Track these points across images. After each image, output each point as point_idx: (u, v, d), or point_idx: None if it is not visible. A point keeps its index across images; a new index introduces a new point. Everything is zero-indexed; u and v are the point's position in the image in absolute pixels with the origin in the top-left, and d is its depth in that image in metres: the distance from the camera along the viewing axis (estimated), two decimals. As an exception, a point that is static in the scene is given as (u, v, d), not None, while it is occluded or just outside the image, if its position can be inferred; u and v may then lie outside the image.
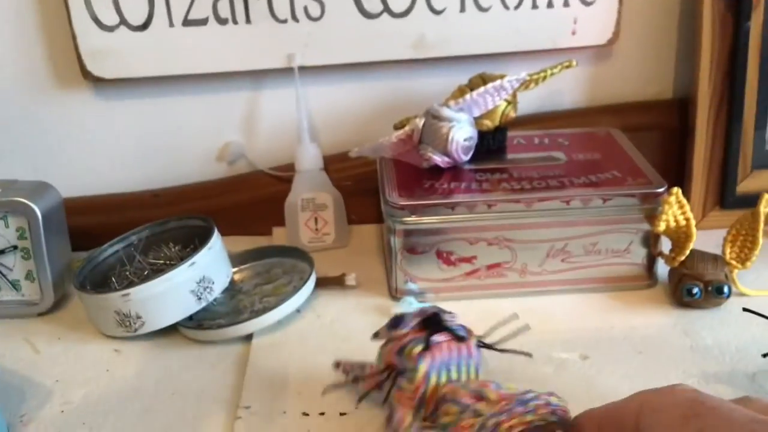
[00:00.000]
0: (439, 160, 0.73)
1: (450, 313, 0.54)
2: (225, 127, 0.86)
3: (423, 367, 0.49)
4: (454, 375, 0.49)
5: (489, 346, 0.56)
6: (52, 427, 0.59)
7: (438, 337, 0.50)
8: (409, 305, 0.70)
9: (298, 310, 0.71)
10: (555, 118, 0.86)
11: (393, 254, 0.71)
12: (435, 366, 0.49)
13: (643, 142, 0.80)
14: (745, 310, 0.59)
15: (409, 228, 0.69)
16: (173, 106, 0.85)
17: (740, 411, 0.34)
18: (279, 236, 0.85)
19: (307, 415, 0.59)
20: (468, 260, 0.71)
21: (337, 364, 0.58)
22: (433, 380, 0.49)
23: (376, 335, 0.55)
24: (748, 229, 0.68)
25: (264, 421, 0.58)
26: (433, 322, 0.52)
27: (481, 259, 0.71)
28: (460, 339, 0.51)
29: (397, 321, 0.53)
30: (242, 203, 0.86)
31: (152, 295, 0.66)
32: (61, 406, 0.62)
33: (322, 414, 0.59)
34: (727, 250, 0.68)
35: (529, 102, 0.84)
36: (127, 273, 0.74)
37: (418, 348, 0.50)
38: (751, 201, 0.70)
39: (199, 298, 0.68)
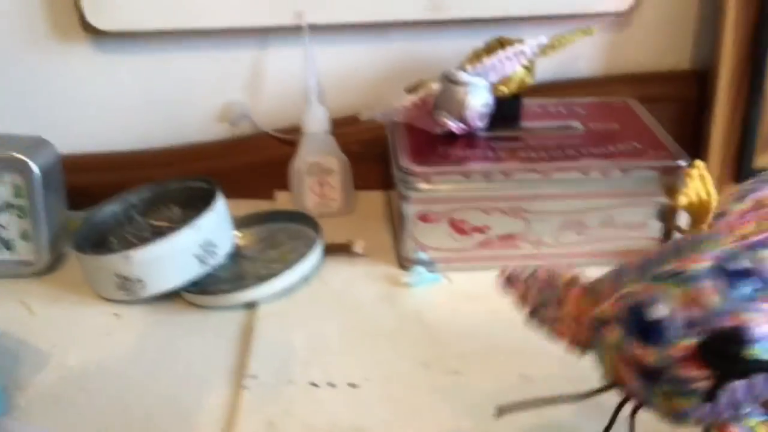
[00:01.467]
0: (453, 126, 0.71)
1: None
2: (229, 86, 0.83)
3: None
4: None
5: None
6: (49, 392, 0.57)
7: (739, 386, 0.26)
8: (419, 275, 0.68)
9: (304, 278, 0.69)
10: (570, 86, 0.84)
11: (404, 222, 0.69)
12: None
13: (659, 113, 0.78)
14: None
15: (422, 195, 0.67)
16: (175, 62, 0.81)
17: None
18: (281, 200, 0.83)
19: (317, 386, 0.57)
20: (481, 230, 0.69)
21: (507, 279, 0.36)
22: None
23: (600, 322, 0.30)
24: (770, 205, 0.66)
25: (271, 391, 0.56)
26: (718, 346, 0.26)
27: (494, 229, 0.69)
28: None
29: (646, 326, 0.27)
30: (244, 165, 0.83)
31: (154, 258, 0.64)
32: (58, 371, 0.59)
33: (332, 385, 0.57)
34: (748, 227, 0.66)
35: (545, 69, 0.81)
36: (127, 234, 0.71)
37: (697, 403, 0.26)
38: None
39: (203, 263, 0.66)
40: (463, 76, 0.70)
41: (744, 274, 0.24)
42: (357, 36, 0.81)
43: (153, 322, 0.65)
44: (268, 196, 0.84)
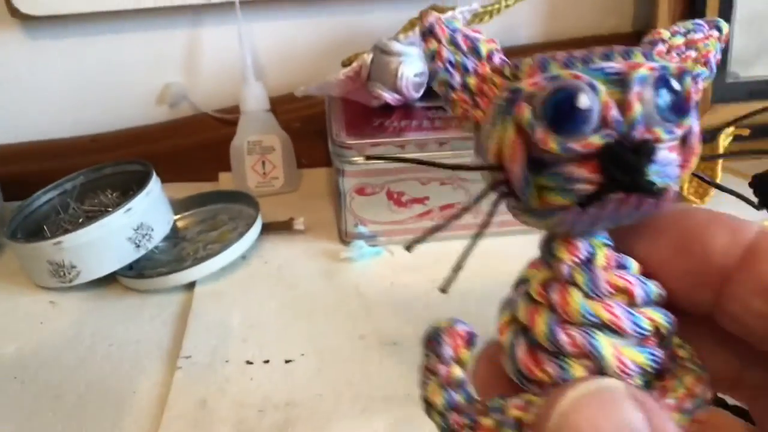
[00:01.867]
0: (388, 97, 0.70)
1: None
2: (165, 68, 0.81)
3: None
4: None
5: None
6: (-20, 382, 0.56)
7: (613, 202, 0.22)
8: (359, 249, 0.68)
9: (243, 257, 0.68)
10: (511, 53, 0.82)
11: (342, 196, 0.68)
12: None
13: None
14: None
15: (357, 168, 0.66)
16: (109, 45, 0.80)
17: None
18: (226, 182, 0.81)
19: (251, 363, 0.56)
20: (420, 201, 0.68)
21: (429, 29, 0.25)
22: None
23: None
24: (707, 163, 0.66)
25: (205, 371, 0.55)
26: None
27: (433, 200, 0.68)
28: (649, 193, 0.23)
29: (562, 111, 0.22)
30: (186, 148, 0.82)
31: (86, 243, 0.63)
32: (-10, 361, 0.58)
33: (267, 362, 0.56)
34: (685, 186, 0.66)
35: (484, 37, 0.81)
36: (62, 222, 0.70)
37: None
38: (711, 137, 0.68)
39: (138, 246, 0.65)
40: (395, 45, 0.69)
41: (671, 93, 0.23)
42: (292, 10, 0.79)
43: (89, 309, 0.64)
44: (212, 178, 0.82)
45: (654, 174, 0.23)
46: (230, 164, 0.79)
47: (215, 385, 0.54)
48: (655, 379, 0.24)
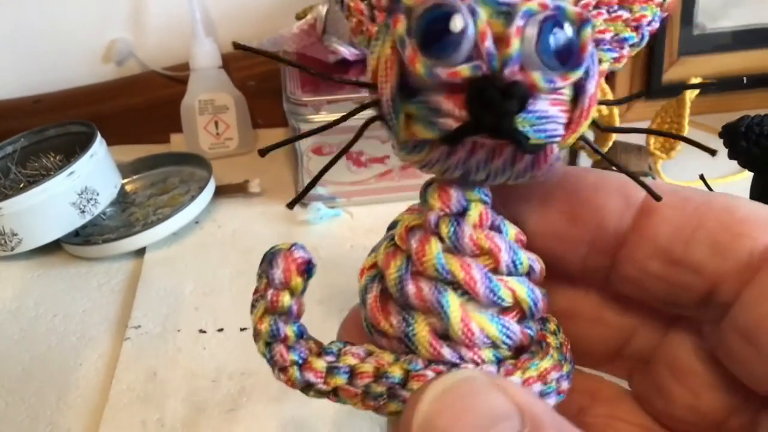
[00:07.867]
0: (345, 52, 0.67)
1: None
2: (110, 23, 0.77)
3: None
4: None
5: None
6: None
7: (482, 147, 0.21)
8: (317, 211, 0.65)
9: (196, 221, 0.65)
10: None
11: (298, 156, 0.65)
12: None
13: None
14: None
15: (313, 127, 0.63)
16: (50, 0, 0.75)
17: None
18: (178, 143, 0.78)
19: (204, 332, 0.54)
20: (380, 160, 0.66)
21: None
22: None
23: None
24: (674, 116, 0.64)
25: (155, 341, 0.53)
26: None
27: (393, 159, 0.66)
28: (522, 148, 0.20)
29: (432, 30, 0.20)
30: (135, 108, 0.78)
31: (27, 209, 0.59)
32: (-74, 336, 0.55)
33: (221, 330, 0.54)
34: (651, 140, 0.65)
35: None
36: (2, 187, 0.66)
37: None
38: (677, 90, 0.66)
39: (83, 211, 0.62)
40: (351, -3, 0.66)
41: (561, 38, 0.20)
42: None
43: (32, 278, 0.61)
44: (163, 140, 0.79)
45: (527, 124, 0.20)
46: (182, 125, 0.76)
47: (166, 355, 0.52)
48: (510, 358, 0.22)
